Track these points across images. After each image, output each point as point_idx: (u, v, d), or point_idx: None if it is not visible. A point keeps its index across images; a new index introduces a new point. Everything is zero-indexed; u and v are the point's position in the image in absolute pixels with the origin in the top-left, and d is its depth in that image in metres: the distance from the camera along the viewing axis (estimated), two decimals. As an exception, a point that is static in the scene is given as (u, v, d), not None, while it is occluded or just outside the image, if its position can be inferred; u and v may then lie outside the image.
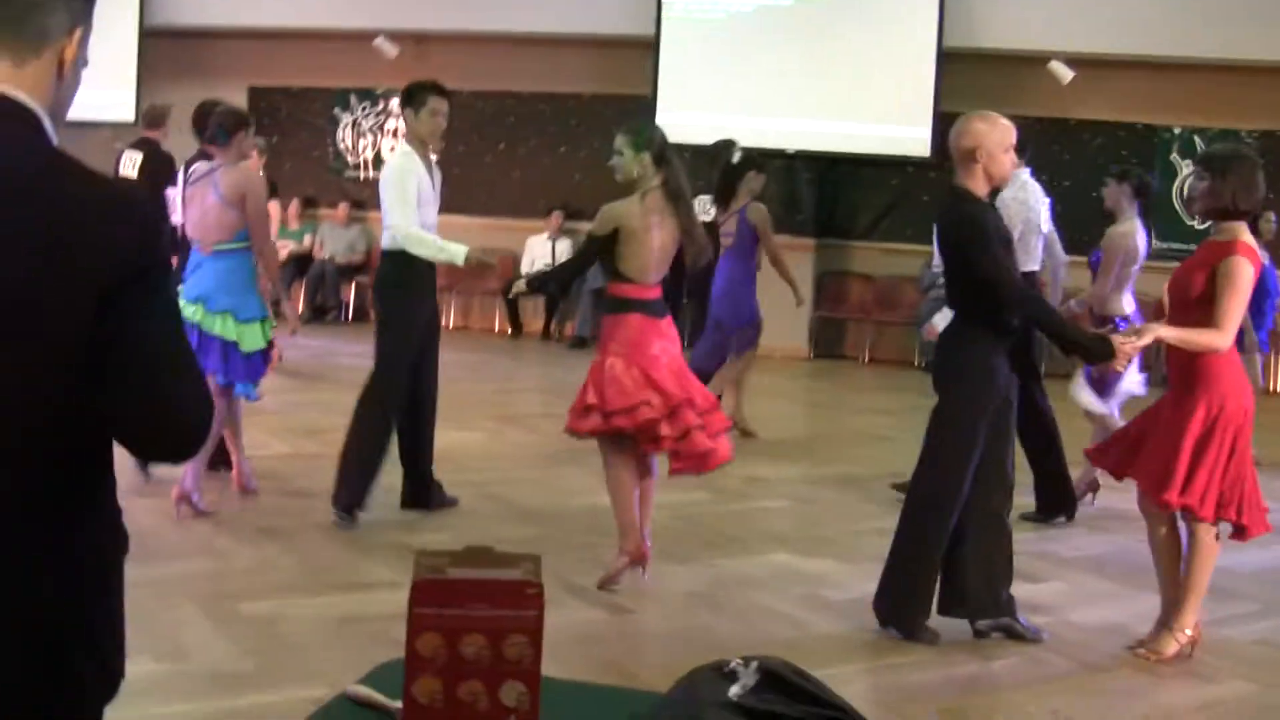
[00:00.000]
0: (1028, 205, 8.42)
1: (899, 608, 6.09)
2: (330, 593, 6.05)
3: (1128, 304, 8.69)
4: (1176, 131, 16.26)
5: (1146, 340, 5.77)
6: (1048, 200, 8.73)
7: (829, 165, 16.87)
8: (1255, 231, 10.25)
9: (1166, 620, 5.99)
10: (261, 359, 7.69)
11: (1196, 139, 16.14)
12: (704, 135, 16.29)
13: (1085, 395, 8.63)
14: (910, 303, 16.52)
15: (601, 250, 6.57)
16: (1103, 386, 8.59)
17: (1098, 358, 5.91)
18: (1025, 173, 8.46)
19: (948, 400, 6.05)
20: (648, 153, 6.56)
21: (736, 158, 10.72)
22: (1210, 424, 5.72)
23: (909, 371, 15.98)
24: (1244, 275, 5.67)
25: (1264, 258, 10.40)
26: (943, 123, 15.76)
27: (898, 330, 16.77)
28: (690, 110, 16.44)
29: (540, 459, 9.68)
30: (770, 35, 16.38)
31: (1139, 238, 8.66)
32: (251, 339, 7.60)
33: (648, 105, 16.50)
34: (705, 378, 9.37)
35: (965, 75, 16.11)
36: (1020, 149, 8.48)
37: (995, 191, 6.38)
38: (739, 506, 8.50)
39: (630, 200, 6.53)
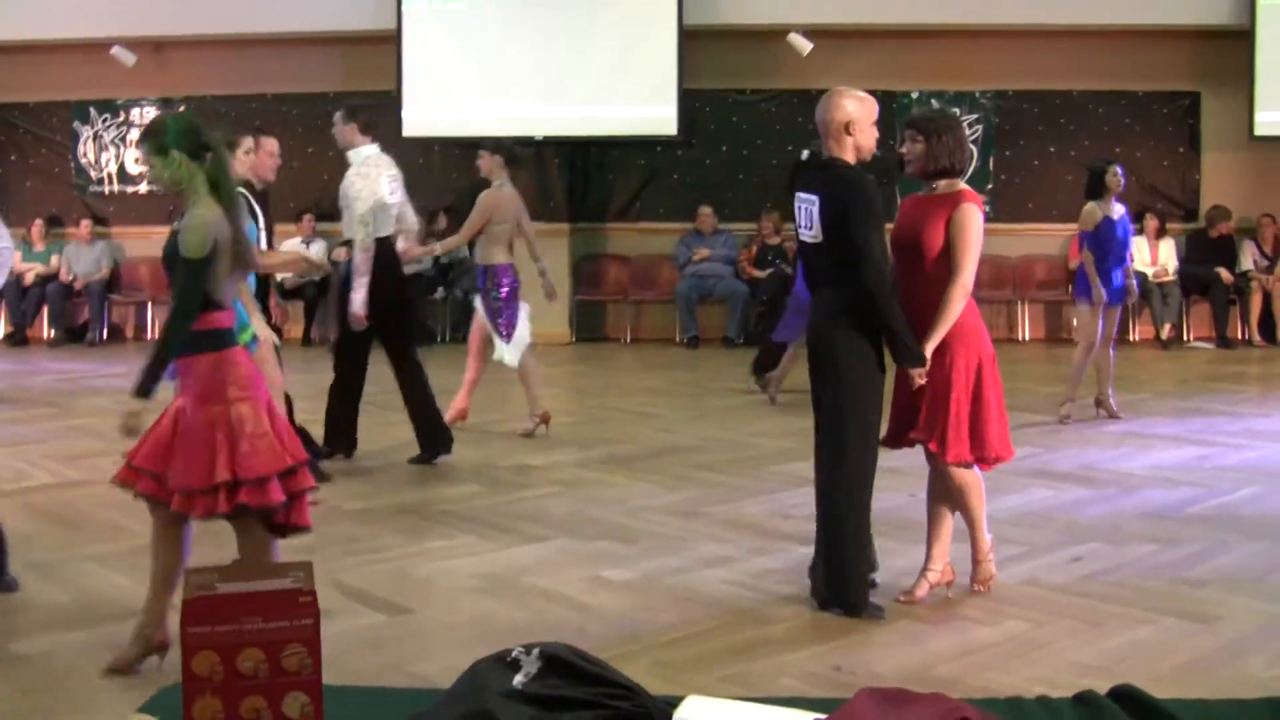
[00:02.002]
0: (373, 179, 9.52)
1: (839, 588, 6.13)
2: (106, 623, 5.87)
3: None
4: (915, 96, 16.70)
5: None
6: (396, 173, 9.80)
7: (578, 149, 16.94)
8: (1103, 185, 10.69)
9: (941, 575, 6.35)
10: None
11: (934, 101, 16.58)
12: (452, 128, 16.31)
13: (507, 353, 10.20)
14: (668, 280, 16.71)
15: (203, 275, 5.23)
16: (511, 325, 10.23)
17: (910, 362, 6.01)
18: (373, 149, 9.70)
19: (847, 367, 6.07)
20: (177, 150, 5.29)
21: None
22: (979, 373, 6.09)
23: (671, 348, 16.19)
24: (975, 223, 6.03)
25: (1117, 210, 10.88)
26: (687, 100, 15.96)
27: (657, 308, 16.95)
28: (437, 103, 16.41)
29: (309, 464, 9.56)
30: (513, 23, 16.36)
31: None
32: None
33: (394, 100, 16.36)
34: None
35: (707, 52, 16.37)
36: (370, 127, 9.40)
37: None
38: (512, 496, 8.51)
39: (212, 208, 5.31)
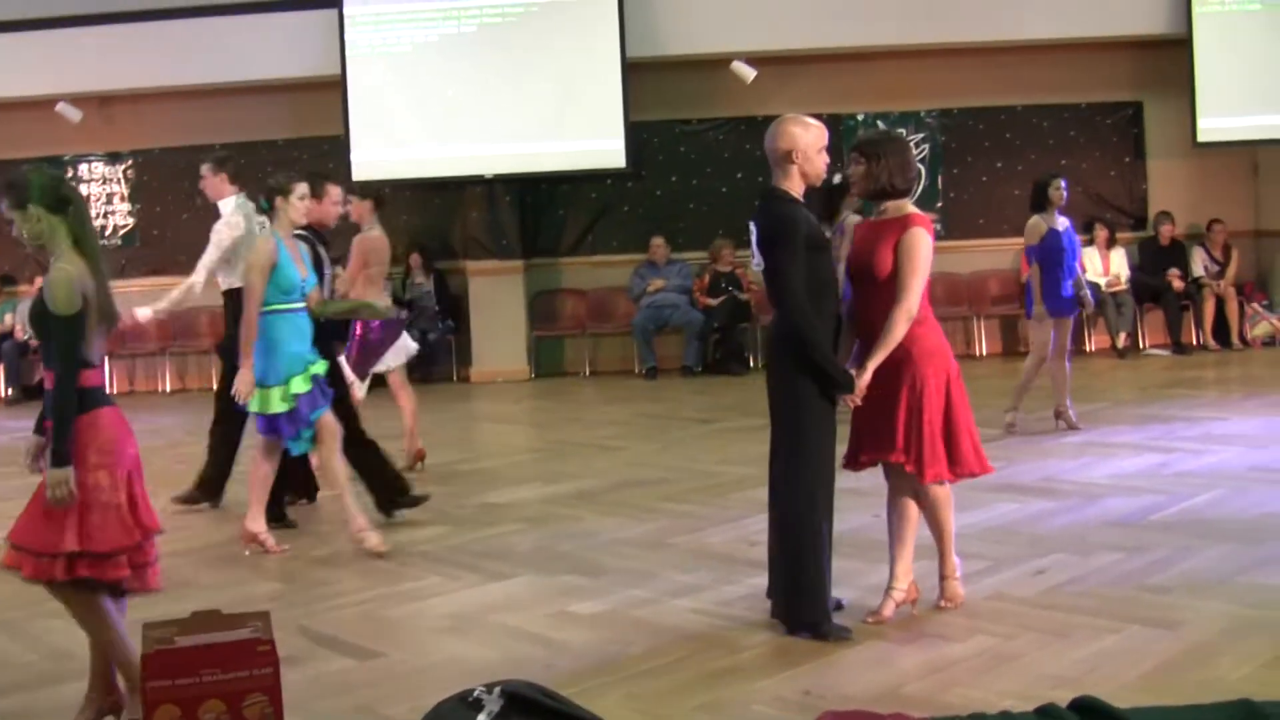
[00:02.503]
0: (239, 227, 9.43)
1: (797, 609, 6.16)
2: (75, 679, 5.82)
3: None
4: (860, 118, 16.81)
5: (867, 379, 6.05)
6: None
7: (529, 185, 16.97)
8: (1046, 198, 10.83)
9: (942, 572, 6.44)
10: None
11: (880, 123, 16.69)
12: (401, 169, 16.32)
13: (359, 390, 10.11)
14: (624, 313, 16.73)
15: (78, 332, 5.08)
16: (366, 362, 10.33)
17: (840, 389, 6.03)
18: (239, 197, 9.63)
19: (792, 392, 6.09)
20: (35, 205, 5.19)
21: (837, 180, 11.16)
22: (947, 390, 6.13)
23: (631, 380, 16.20)
24: (922, 245, 6.06)
25: (1061, 222, 11.03)
26: (634, 132, 16.00)
27: (614, 340, 16.96)
28: (385, 146, 16.40)
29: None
30: (457, 63, 16.38)
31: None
32: None
33: (343, 144, 16.36)
34: None
35: (652, 83, 16.43)
36: (237, 176, 9.59)
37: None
38: (478, 534, 8.49)
39: (75, 262, 5.16)
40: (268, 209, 8.18)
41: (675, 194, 17.23)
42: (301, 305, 8.08)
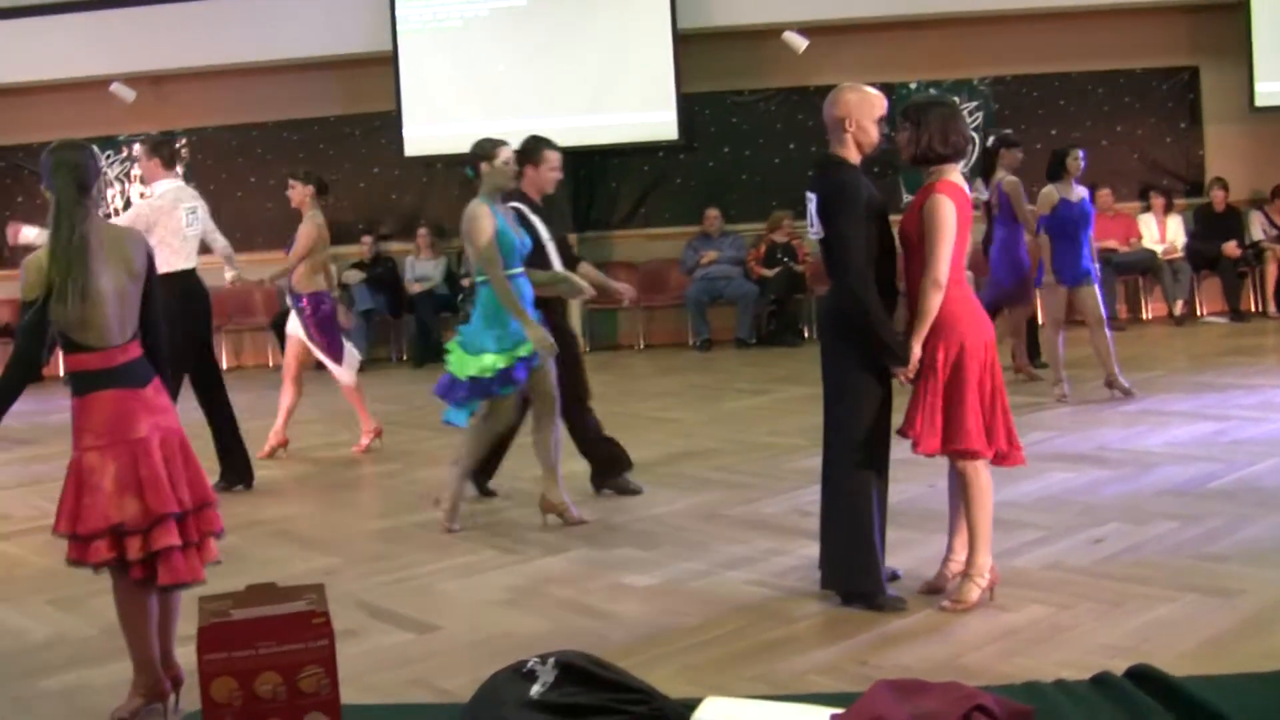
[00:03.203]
0: (161, 210, 9.42)
1: (849, 578, 6.16)
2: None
3: None
4: (913, 87, 16.72)
5: (917, 353, 5.98)
6: (195, 205, 9.74)
7: (581, 158, 16.93)
8: (1063, 168, 10.85)
9: (963, 566, 6.18)
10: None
11: (932, 91, 16.58)
12: (453, 145, 16.29)
13: (342, 374, 10.48)
14: (678, 285, 16.73)
15: (42, 317, 5.03)
16: (333, 343, 10.49)
17: (895, 360, 5.99)
18: (174, 182, 9.75)
19: (843, 364, 6.11)
20: (44, 186, 5.25)
21: (990, 142, 11.76)
22: (954, 365, 5.97)
23: (685, 352, 16.23)
24: (943, 212, 5.92)
25: (1077, 192, 11.05)
26: (686, 104, 15.98)
27: (668, 313, 16.96)
28: (437, 121, 16.45)
29: (326, 488, 9.63)
30: (508, 37, 16.41)
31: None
32: None
33: (394, 120, 16.43)
34: None
35: (703, 55, 16.40)
36: (171, 160, 9.63)
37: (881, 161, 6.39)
38: (533, 508, 8.48)
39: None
40: (473, 176, 7.92)
41: (728, 165, 17.20)
42: (521, 270, 7.84)
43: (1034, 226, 11.58)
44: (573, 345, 8.82)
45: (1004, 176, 11.81)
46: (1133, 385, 11.16)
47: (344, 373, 10.55)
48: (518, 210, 8.25)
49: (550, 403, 8.03)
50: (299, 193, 10.83)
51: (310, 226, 10.66)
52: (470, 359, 7.74)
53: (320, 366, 11.11)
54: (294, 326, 10.71)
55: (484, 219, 7.68)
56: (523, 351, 7.72)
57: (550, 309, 8.33)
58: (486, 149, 7.86)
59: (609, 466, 8.89)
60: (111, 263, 5.10)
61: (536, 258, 8.15)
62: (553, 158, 8.57)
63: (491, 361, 7.68)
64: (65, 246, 5.00)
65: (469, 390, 7.78)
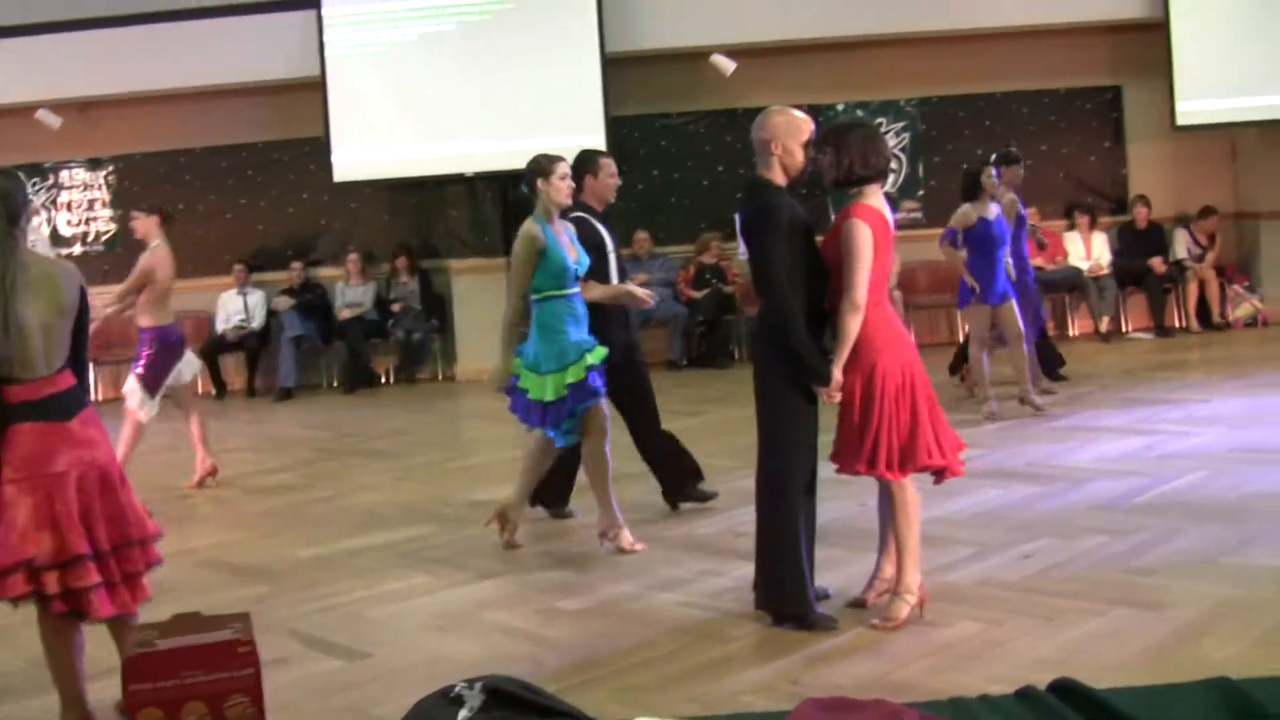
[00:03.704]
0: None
1: (779, 599, 6.17)
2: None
3: None
4: (840, 108, 16.82)
5: (839, 376, 6.00)
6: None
7: (510, 183, 16.91)
8: (979, 186, 10.91)
9: (893, 585, 6.21)
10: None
11: (859, 112, 16.73)
12: (382, 170, 16.33)
13: (135, 396, 10.17)
14: (607, 307, 16.68)
15: None
16: (155, 383, 10.15)
17: (817, 380, 6.01)
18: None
19: (771, 383, 6.13)
20: None
21: (993, 158, 11.97)
22: (869, 386, 6.01)
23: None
24: (859, 236, 5.96)
25: (993, 210, 11.12)
26: (615, 127, 16.01)
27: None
28: (366, 146, 16.38)
29: (256, 516, 9.54)
30: (437, 62, 16.36)
31: None
32: None
33: (323, 146, 16.36)
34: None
35: (631, 78, 16.43)
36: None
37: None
38: (464, 533, 8.49)
39: None
40: (528, 192, 7.78)
41: (657, 188, 17.22)
42: (576, 289, 7.71)
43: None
44: (639, 360, 8.74)
45: (1004, 194, 11.90)
46: (1056, 401, 11.27)
47: (140, 410, 10.24)
48: (584, 220, 8.20)
49: (600, 420, 7.88)
50: (143, 224, 10.53)
51: (150, 257, 10.35)
52: (543, 379, 7.64)
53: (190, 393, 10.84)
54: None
55: (527, 239, 7.61)
56: (591, 360, 7.65)
57: (615, 322, 8.27)
58: (543, 165, 7.72)
59: (681, 480, 8.83)
60: (40, 296, 5.04)
61: (598, 269, 8.10)
62: (609, 164, 8.53)
63: (556, 382, 7.60)
64: None
65: (555, 413, 7.66)
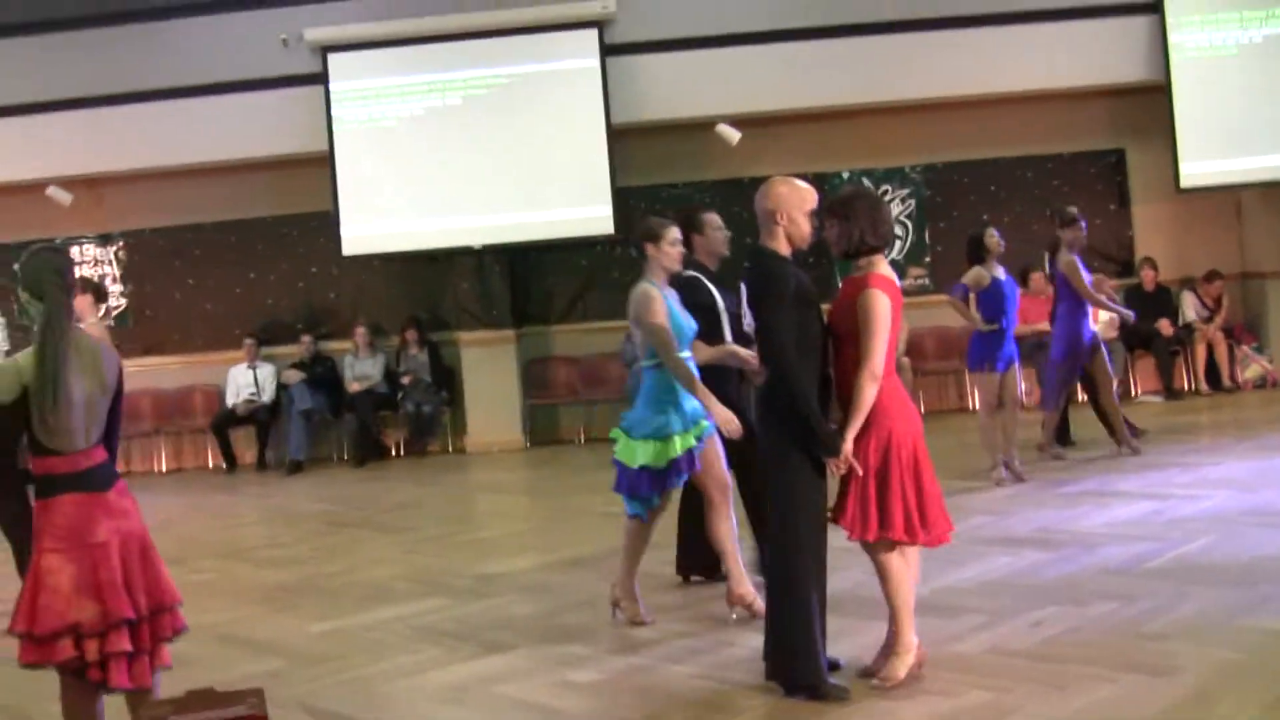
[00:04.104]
0: None
1: (790, 670, 6.17)
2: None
3: None
4: (846, 176, 16.92)
5: (849, 446, 6.02)
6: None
7: (518, 255, 17.04)
8: (984, 248, 10.96)
9: (891, 646, 6.23)
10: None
11: (865, 179, 16.83)
12: (390, 243, 16.43)
13: None
14: (618, 378, 16.73)
15: (13, 420, 5.07)
16: None
17: (826, 451, 6.03)
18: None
19: (779, 453, 6.14)
20: (23, 289, 5.27)
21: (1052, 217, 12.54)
22: (883, 455, 6.05)
23: (626, 445, 16.15)
24: (879, 307, 6.02)
25: (1001, 271, 11.16)
26: (621, 197, 16.10)
27: (609, 407, 16.91)
28: (374, 220, 16.50)
29: (270, 590, 9.55)
30: (444, 135, 16.49)
31: None
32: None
33: (331, 220, 16.47)
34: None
35: (637, 148, 16.55)
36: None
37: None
38: (476, 606, 8.50)
39: (28, 351, 5.14)
40: (640, 256, 7.64)
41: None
42: (689, 355, 7.53)
43: (1099, 300, 12.12)
44: (749, 424, 8.25)
45: (1063, 255, 12.04)
46: (1065, 466, 11.31)
47: None
48: (696, 280, 8.10)
49: (723, 488, 7.71)
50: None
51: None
52: (639, 445, 7.54)
53: None
54: None
55: (656, 300, 7.42)
56: (693, 438, 7.52)
57: (727, 384, 8.06)
58: (654, 229, 7.63)
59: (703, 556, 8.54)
60: (85, 372, 5.17)
61: (708, 330, 7.91)
62: (713, 219, 8.43)
63: (658, 450, 7.49)
64: (54, 352, 5.06)
65: (646, 482, 7.56)
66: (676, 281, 7.76)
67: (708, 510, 7.71)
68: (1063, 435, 12.80)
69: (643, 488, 7.56)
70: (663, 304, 7.43)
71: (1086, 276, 12.08)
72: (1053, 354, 12.37)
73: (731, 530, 7.69)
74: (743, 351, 7.57)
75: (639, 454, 7.51)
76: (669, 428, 7.46)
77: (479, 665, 7.19)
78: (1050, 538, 9.07)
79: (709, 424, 7.54)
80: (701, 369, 7.59)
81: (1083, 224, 12.37)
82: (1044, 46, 16.25)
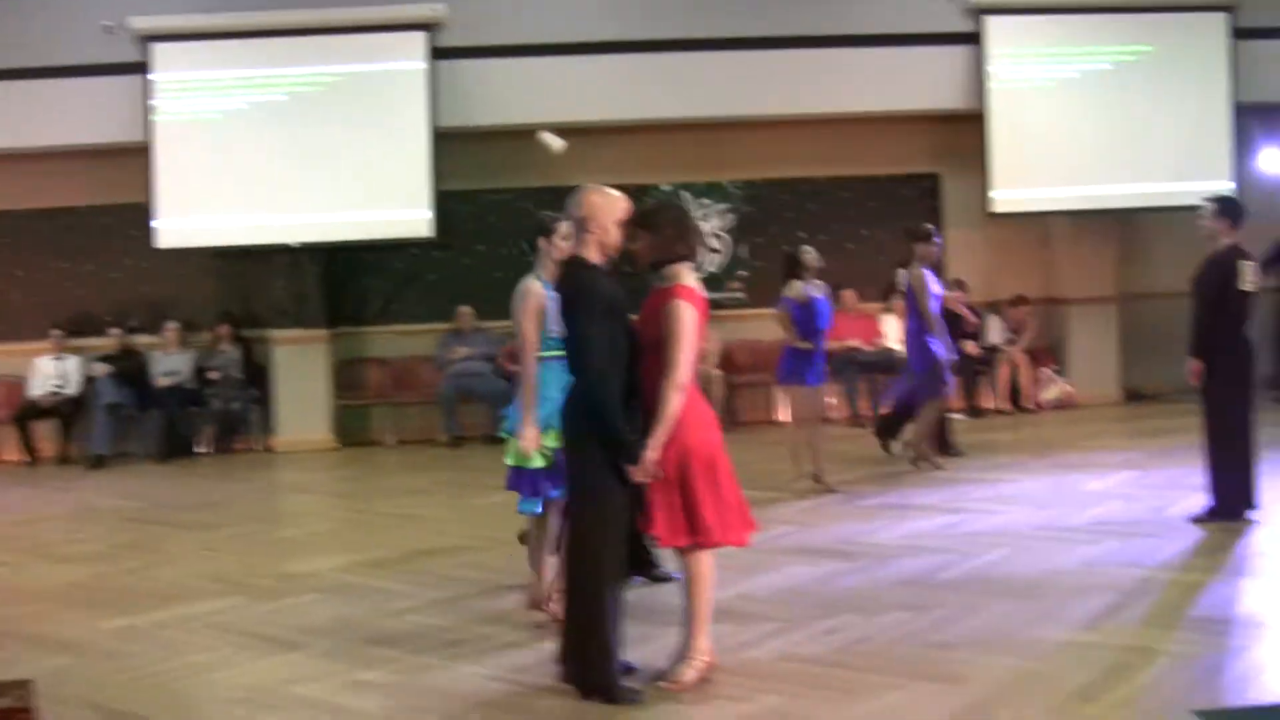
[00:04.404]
0: None
1: (586, 672, 6.20)
2: None
3: None
4: (666, 189, 17.04)
5: (654, 456, 6.05)
6: None
7: (334, 254, 16.89)
8: (801, 265, 11.09)
9: (684, 651, 6.31)
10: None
11: (684, 193, 16.98)
12: (207, 238, 16.18)
13: None
14: (429, 381, 16.70)
15: None
16: None
17: (629, 459, 6.07)
18: None
19: (583, 459, 6.17)
20: None
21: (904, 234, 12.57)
22: (684, 462, 6.12)
23: (435, 449, 16.13)
24: (684, 317, 6.11)
25: (816, 289, 11.29)
26: (442, 201, 16.05)
27: (419, 410, 16.88)
28: (192, 213, 16.21)
29: (65, 587, 9.35)
30: (267, 132, 16.26)
31: None
32: None
33: (146, 211, 16.17)
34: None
35: (460, 153, 16.48)
36: None
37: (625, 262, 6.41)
38: (274, 605, 8.42)
39: None
40: (529, 249, 7.66)
41: (482, 263, 17.25)
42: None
43: (931, 320, 12.19)
44: None
45: (913, 269, 12.25)
46: (866, 479, 11.52)
47: None
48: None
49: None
50: None
51: None
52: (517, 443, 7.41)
53: None
54: None
55: (531, 297, 7.44)
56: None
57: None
58: (544, 223, 7.71)
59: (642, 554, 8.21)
60: None
61: None
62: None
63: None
64: None
65: (541, 479, 7.40)
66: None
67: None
68: (944, 445, 13.01)
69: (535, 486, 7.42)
70: (541, 299, 7.35)
71: (937, 293, 12.33)
72: (913, 365, 12.55)
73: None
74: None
75: (535, 455, 7.32)
76: (553, 420, 7.11)
77: (273, 664, 7.12)
78: (848, 549, 9.23)
79: None
80: None
81: (937, 240, 12.64)
82: (866, 71, 16.50)
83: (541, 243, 7.59)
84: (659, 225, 6.23)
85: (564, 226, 7.36)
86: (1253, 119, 17.07)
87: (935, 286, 12.42)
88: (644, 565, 8.22)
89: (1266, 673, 6.16)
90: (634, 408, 6.18)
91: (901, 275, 12.86)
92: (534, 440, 7.24)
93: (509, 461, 7.46)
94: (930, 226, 12.94)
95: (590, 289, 6.13)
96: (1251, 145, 17.10)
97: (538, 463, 7.31)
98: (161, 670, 7.08)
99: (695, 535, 6.18)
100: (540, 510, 7.52)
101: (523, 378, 7.36)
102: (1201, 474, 9.69)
